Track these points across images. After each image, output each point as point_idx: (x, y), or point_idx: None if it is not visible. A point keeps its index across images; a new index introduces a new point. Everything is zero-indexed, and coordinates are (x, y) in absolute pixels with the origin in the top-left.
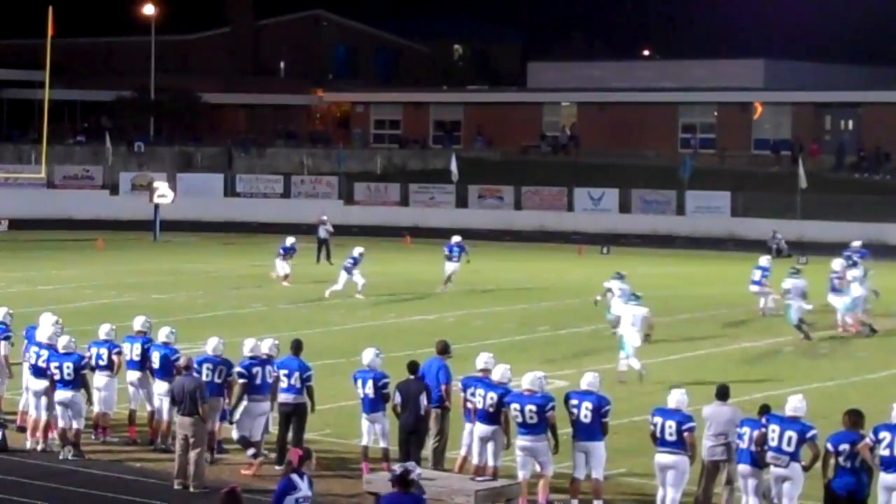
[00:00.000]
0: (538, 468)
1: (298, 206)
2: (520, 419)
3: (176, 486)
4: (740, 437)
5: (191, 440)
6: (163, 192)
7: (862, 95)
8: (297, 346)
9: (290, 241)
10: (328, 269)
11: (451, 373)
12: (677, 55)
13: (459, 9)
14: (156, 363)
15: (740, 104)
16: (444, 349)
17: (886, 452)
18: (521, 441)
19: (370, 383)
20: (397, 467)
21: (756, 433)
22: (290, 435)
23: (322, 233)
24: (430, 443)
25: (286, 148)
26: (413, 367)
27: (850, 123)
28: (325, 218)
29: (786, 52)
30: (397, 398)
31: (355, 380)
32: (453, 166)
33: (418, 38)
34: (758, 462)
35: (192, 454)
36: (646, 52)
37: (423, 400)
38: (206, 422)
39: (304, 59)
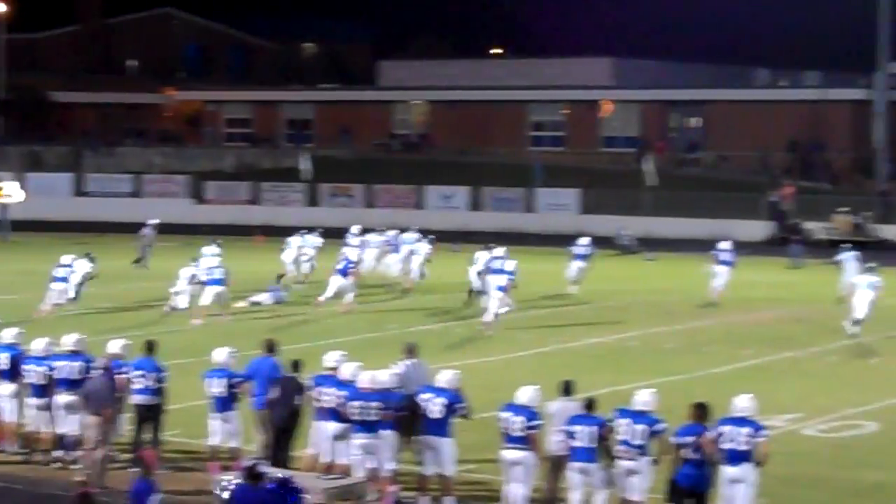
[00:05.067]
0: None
1: (149, 205)
2: (361, 417)
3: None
4: (574, 434)
5: (96, 440)
6: (10, 191)
7: (707, 93)
8: (150, 347)
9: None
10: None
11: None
12: (527, 54)
13: (309, 7)
14: (3, 365)
15: (589, 102)
16: (271, 347)
17: (729, 446)
18: (359, 439)
19: (222, 382)
20: (246, 461)
21: (602, 428)
22: (144, 436)
23: (146, 231)
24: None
25: (136, 147)
26: (295, 365)
27: (696, 121)
28: (151, 222)
29: (634, 51)
30: (274, 393)
31: (206, 379)
32: (307, 164)
33: (269, 36)
34: (594, 457)
35: (97, 454)
36: (495, 51)
37: (299, 399)
38: (110, 423)
39: (155, 58)
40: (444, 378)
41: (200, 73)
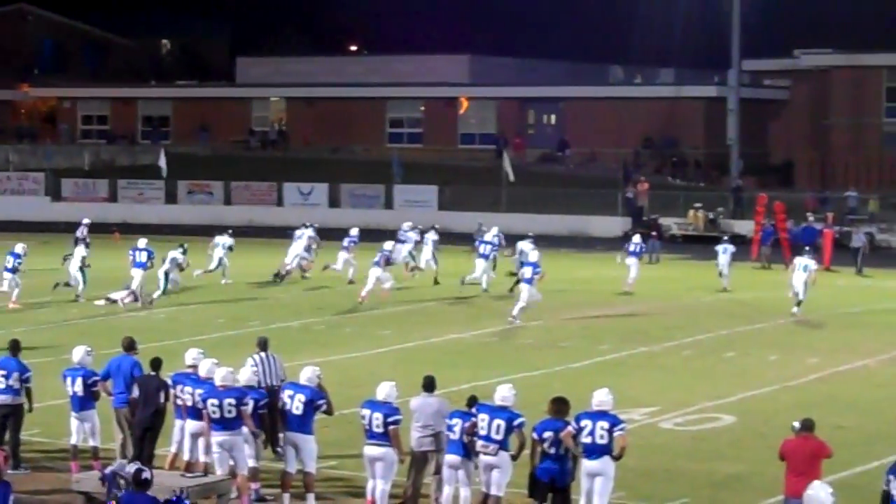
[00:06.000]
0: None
1: (5, 203)
2: (218, 415)
3: None
4: (451, 428)
5: None
6: None
7: (563, 90)
8: (15, 346)
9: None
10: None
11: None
12: (384, 51)
13: (165, 4)
14: None
15: (446, 99)
16: (130, 345)
17: (588, 440)
18: (218, 437)
19: (80, 381)
20: (131, 466)
21: (467, 424)
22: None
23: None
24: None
25: None
26: (155, 363)
27: (553, 118)
28: (85, 221)
29: (490, 48)
30: (135, 392)
31: (65, 378)
32: (162, 162)
33: (126, 33)
34: (468, 452)
35: None
36: (353, 48)
37: (162, 397)
38: None
39: (9, 54)
40: (305, 375)
41: (56, 70)
